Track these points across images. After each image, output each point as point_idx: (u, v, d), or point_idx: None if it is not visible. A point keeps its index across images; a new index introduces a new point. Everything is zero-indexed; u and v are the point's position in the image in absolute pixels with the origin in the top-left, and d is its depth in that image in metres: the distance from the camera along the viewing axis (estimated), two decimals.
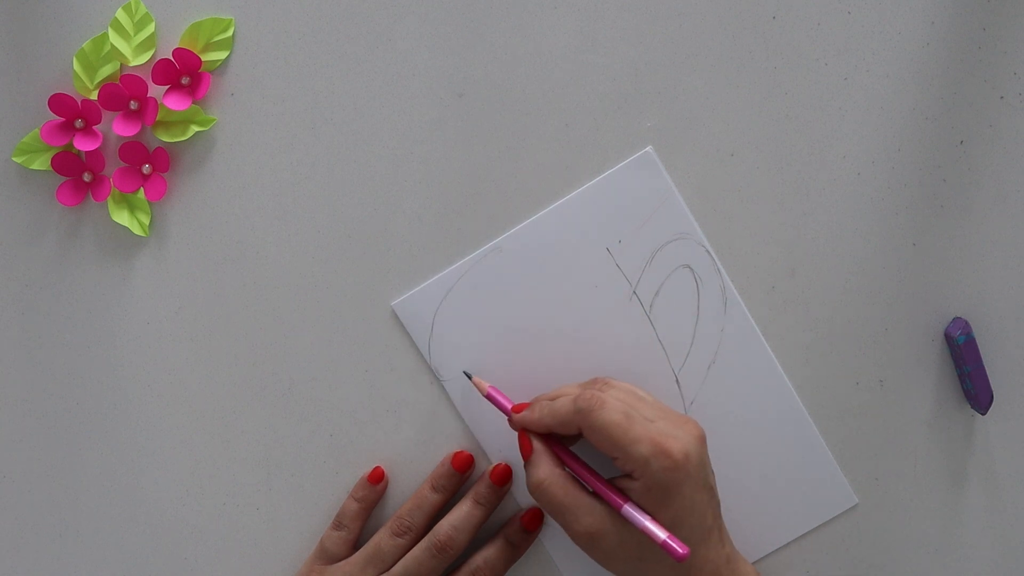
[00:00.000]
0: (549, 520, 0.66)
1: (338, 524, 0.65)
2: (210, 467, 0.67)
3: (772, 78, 0.64)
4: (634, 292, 0.65)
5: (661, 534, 0.56)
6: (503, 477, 0.65)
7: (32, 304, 0.66)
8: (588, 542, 0.59)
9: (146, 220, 0.65)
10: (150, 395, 0.66)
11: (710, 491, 0.59)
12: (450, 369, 0.65)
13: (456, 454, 0.65)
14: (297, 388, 0.66)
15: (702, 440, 0.58)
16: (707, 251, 0.65)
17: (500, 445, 0.66)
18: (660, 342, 0.65)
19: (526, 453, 0.61)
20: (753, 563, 0.66)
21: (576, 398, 0.59)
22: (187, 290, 0.66)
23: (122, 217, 0.65)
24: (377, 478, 0.65)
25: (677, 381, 0.65)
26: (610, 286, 0.65)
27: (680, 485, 0.57)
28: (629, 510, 0.58)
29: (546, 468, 0.60)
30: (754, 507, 0.65)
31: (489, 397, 0.63)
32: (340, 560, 0.65)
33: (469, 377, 0.65)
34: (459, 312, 0.65)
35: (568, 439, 0.62)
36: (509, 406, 0.63)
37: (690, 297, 0.65)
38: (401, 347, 0.66)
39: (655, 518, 0.57)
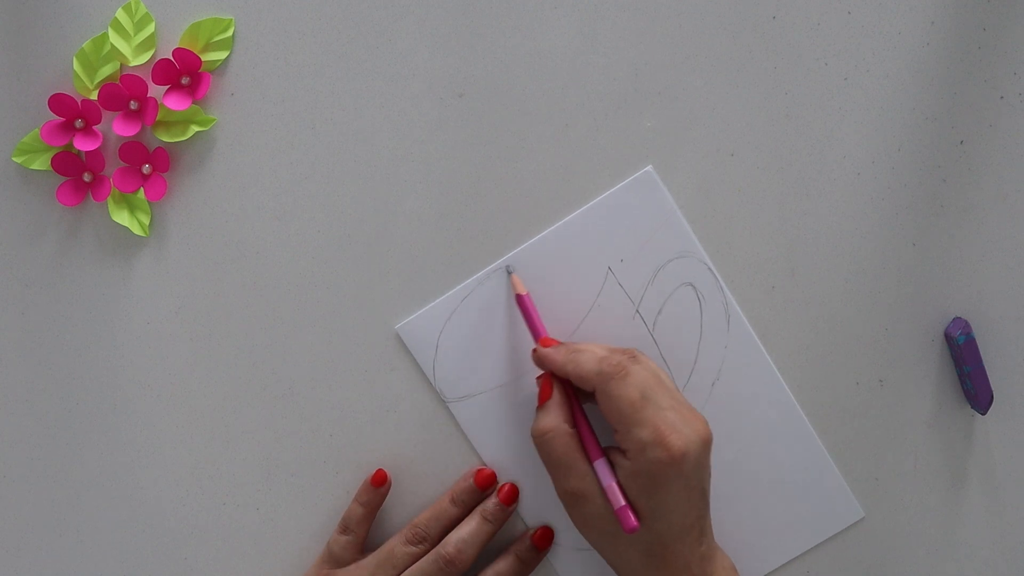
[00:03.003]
0: (557, 537, 0.66)
1: (344, 528, 0.65)
2: (210, 467, 0.67)
3: (772, 78, 0.64)
4: (637, 311, 0.65)
5: (620, 500, 0.57)
6: (510, 497, 0.65)
7: (32, 304, 0.66)
8: (570, 501, 0.59)
9: (146, 220, 0.65)
10: (150, 395, 0.66)
11: (701, 493, 0.58)
12: (455, 390, 0.65)
13: (479, 471, 0.65)
14: (297, 388, 0.66)
15: (706, 443, 0.58)
16: (709, 269, 0.64)
17: (506, 464, 0.65)
18: (664, 360, 0.65)
19: (543, 397, 0.61)
20: None
21: (602, 359, 0.58)
22: (187, 290, 0.66)
23: (122, 217, 0.65)
24: (380, 481, 0.65)
25: None
26: (613, 305, 0.64)
27: (669, 482, 0.56)
28: (602, 465, 0.58)
29: (554, 419, 0.60)
30: (760, 524, 0.65)
31: (520, 300, 0.63)
32: (347, 564, 0.64)
33: (509, 273, 0.64)
34: (463, 333, 0.65)
35: (582, 394, 0.62)
36: (542, 333, 0.62)
37: (693, 315, 0.65)
38: (401, 347, 0.66)
39: (636, 504, 0.57)
